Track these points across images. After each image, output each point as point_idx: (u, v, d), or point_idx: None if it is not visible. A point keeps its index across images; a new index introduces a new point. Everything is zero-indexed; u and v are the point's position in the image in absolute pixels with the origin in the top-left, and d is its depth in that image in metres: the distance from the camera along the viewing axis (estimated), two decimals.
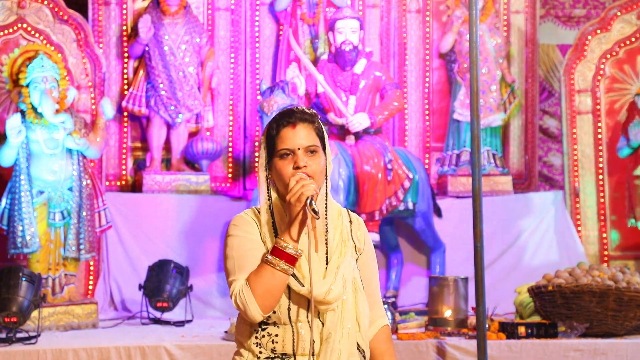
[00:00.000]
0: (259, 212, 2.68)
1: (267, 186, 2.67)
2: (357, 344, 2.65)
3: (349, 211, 2.78)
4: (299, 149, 2.62)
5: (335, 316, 2.60)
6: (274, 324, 2.59)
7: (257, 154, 7.95)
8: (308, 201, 2.53)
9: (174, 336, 6.01)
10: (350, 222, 2.74)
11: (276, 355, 2.59)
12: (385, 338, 2.78)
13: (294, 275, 2.57)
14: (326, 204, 2.66)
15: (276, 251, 2.54)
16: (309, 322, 2.58)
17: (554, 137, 8.87)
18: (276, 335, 2.59)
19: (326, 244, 2.63)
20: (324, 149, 2.67)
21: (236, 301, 2.56)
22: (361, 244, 2.74)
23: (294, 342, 2.58)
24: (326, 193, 2.67)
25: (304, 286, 2.57)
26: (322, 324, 2.60)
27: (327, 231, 2.63)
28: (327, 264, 2.62)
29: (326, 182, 2.67)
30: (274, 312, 2.58)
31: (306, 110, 2.69)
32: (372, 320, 2.75)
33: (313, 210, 2.52)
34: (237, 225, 2.65)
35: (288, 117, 2.65)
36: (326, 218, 2.65)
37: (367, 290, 2.73)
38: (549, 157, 8.95)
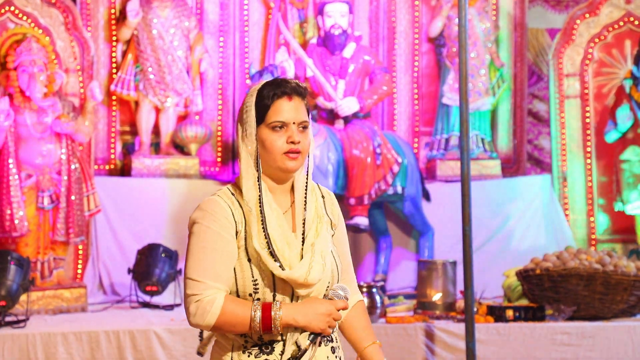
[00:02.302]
0: (233, 193, 2.57)
1: (257, 157, 2.54)
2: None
3: (319, 185, 2.70)
4: (294, 122, 2.53)
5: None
6: None
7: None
8: (318, 338, 2.50)
9: (163, 320, 6.02)
10: (323, 197, 2.67)
11: (263, 342, 2.52)
12: (361, 312, 2.73)
13: (273, 256, 2.48)
14: (307, 181, 2.60)
15: (265, 317, 2.45)
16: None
17: (544, 121, 8.89)
18: None
19: (303, 223, 2.56)
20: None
21: (197, 310, 2.47)
22: (335, 219, 2.67)
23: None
24: (307, 169, 2.60)
25: (284, 270, 2.48)
26: None
27: (305, 209, 2.57)
28: (303, 243, 2.55)
29: (308, 159, 2.60)
30: (258, 299, 2.50)
31: (299, 83, 2.59)
32: None
33: (304, 350, 2.49)
34: (209, 214, 2.52)
35: (283, 87, 2.54)
36: (305, 196, 2.59)
37: (342, 266, 2.65)
38: (539, 141, 8.97)
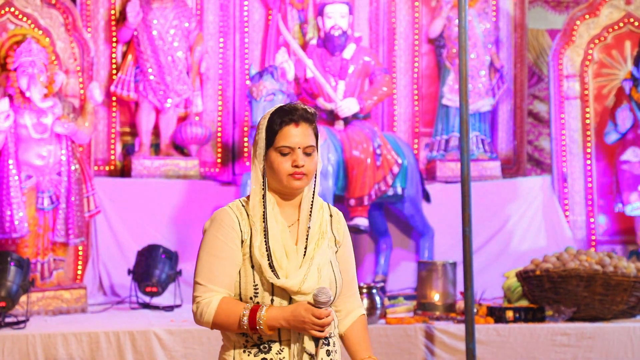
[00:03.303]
0: (244, 205, 2.78)
1: (264, 177, 2.77)
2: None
3: (330, 205, 2.90)
4: (299, 147, 2.74)
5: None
6: None
7: (245, 139, 7.94)
8: (320, 342, 2.68)
9: (163, 321, 6.02)
10: (331, 215, 2.86)
11: (262, 342, 2.71)
12: (361, 327, 2.89)
13: (271, 266, 2.70)
14: (312, 200, 2.79)
15: (252, 319, 2.66)
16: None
17: (544, 122, 8.89)
18: None
19: (306, 238, 2.76)
20: (316, 147, 2.80)
21: (197, 310, 2.73)
22: (340, 237, 2.86)
23: (279, 330, 2.70)
24: (314, 189, 2.80)
25: (279, 278, 2.69)
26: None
27: (309, 227, 2.77)
28: (304, 255, 2.75)
29: (315, 179, 2.80)
30: (257, 303, 2.70)
31: (308, 109, 2.79)
32: (349, 310, 2.89)
33: (312, 356, 2.67)
34: (218, 223, 2.75)
35: (292, 114, 2.75)
36: (310, 213, 2.78)
37: (345, 281, 2.84)
38: (539, 141, 8.97)
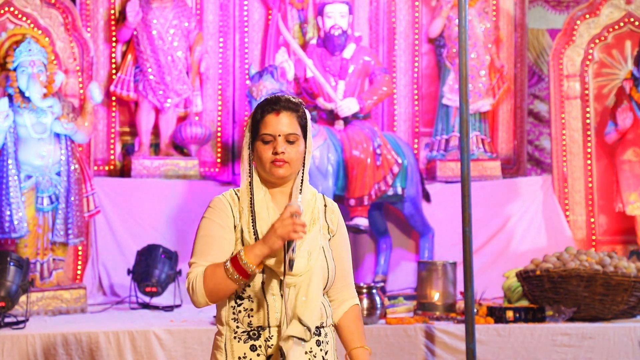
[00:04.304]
0: (236, 193, 2.89)
1: (250, 164, 2.89)
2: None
3: (325, 197, 2.97)
4: (279, 135, 2.82)
5: (301, 289, 2.77)
6: (249, 298, 2.80)
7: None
8: (292, 246, 2.69)
9: (162, 321, 6.01)
10: (325, 205, 2.94)
11: (252, 328, 2.80)
12: (354, 317, 2.95)
13: None
14: (301, 187, 2.86)
15: (235, 262, 2.72)
16: (281, 294, 2.78)
17: (545, 122, 8.88)
18: (251, 310, 2.79)
19: None
20: (305, 136, 2.87)
21: (188, 286, 2.80)
22: (334, 226, 2.94)
23: (268, 314, 2.78)
24: (302, 177, 2.86)
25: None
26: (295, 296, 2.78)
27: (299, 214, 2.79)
28: None
29: (303, 168, 2.86)
30: (249, 286, 2.78)
31: (292, 98, 2.87)
32: (343, 299, 2.96)
33: (290, 260, 2.68)
34: (212, 208, 2.88)
35: (273, 104, 2.84)
36: (300, 201, 2.82)
37: (339, 271, 2.92)
38: (540, 141, 8.96)
